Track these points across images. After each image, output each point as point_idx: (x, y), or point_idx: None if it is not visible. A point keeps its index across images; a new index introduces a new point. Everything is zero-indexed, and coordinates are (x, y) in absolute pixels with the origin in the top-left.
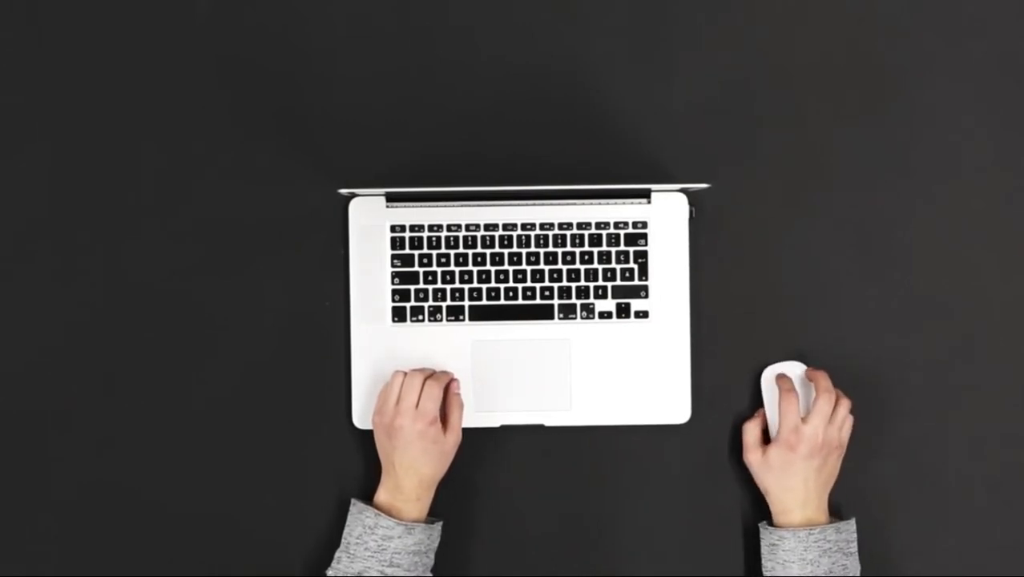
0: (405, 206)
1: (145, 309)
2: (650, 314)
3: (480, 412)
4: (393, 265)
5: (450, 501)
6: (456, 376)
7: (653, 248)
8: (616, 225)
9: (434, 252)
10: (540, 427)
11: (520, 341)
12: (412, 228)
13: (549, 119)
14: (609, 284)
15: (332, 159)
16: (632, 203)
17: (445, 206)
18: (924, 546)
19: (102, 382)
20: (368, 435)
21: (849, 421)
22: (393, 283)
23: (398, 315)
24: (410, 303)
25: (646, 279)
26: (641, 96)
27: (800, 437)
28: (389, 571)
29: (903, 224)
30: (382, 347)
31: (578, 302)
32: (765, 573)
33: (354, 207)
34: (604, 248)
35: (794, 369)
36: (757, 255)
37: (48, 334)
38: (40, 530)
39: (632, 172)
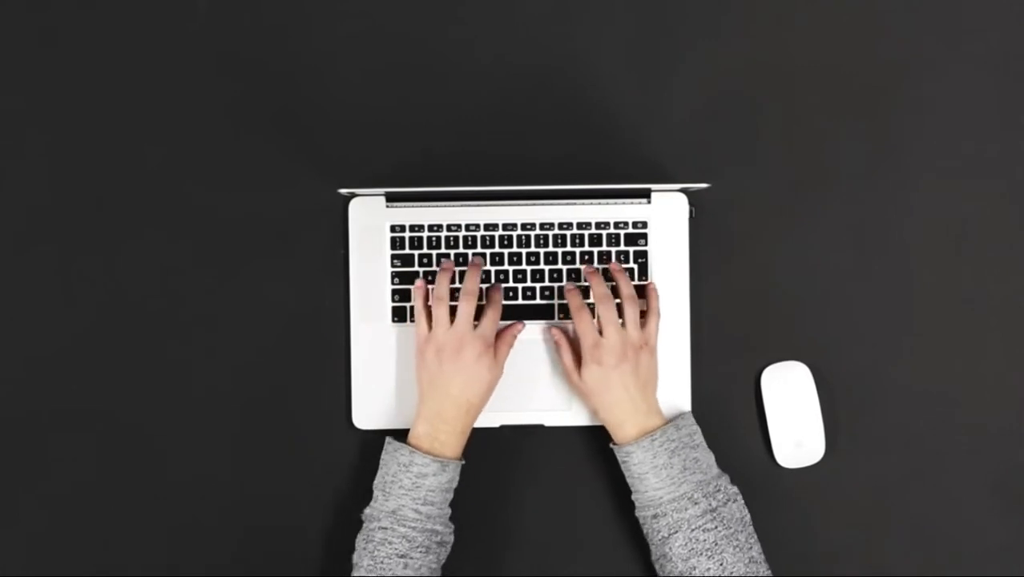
0: (405, 206)
1: (144, 309)
2: None
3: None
4: (393, 265)
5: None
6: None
7: (653, 248)
8: (616, 225)
9: (434, 252)
10: (540, 427)
11: (520, 341)
12: (412, 228)
13: (549, 119)
14: (609, 284)
15: (332, 159)
16: (632, 203)
17: (445, 206)
18: (924, 546)
19: (102, 382)
20: (368, 435)
21: (654, 318)
22: (393, 283)
23: (398, 315)
24: (410, 303)
25: (646, 279)
26: (641, 96)
27: (602, 349)
28: (424, 509)
29: (903, 224)
30: (382, 347)
31: None
32: (632, 492)
33: (354, 207)
34: (604, 248)
35: (794, 369)
36: (757, 255)
37: (48, 334)
38: (40, 530)
39: (632, 172)
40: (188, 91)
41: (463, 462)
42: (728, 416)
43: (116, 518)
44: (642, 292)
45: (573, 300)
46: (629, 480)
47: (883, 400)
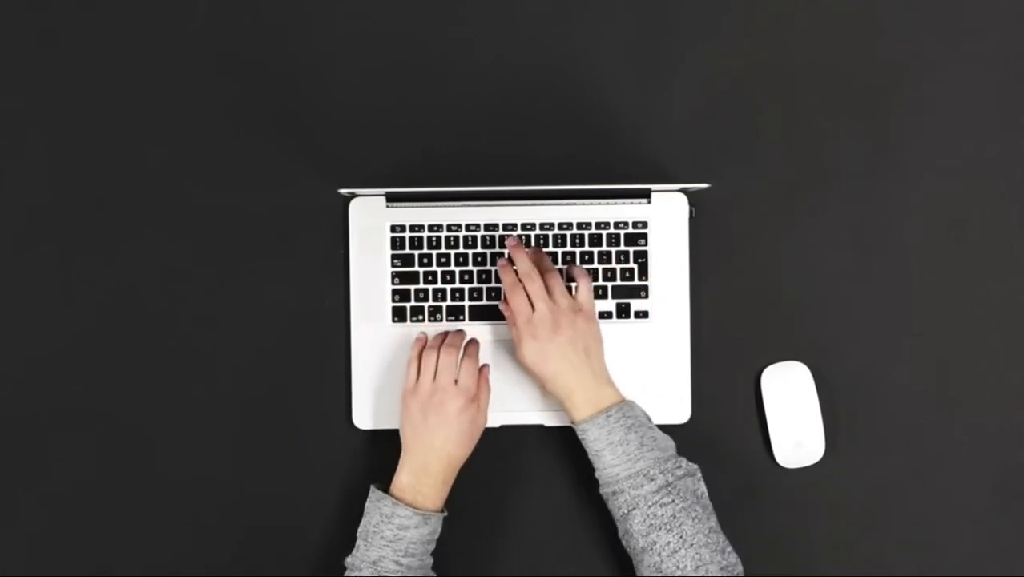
0: (405, 206)
1: (145, 309)
2: (650, 314)
3: None
4: (393, 265)
5: (450, 501)
6: (487, 363)
7: (653, 248)
8: (616, 225)
9: (434, 252)
10: (540, 427)
11: None
12: (412, 228)
13: (549, 119)
14: (609, 284)
15: (332, 159)
16: (632, 203)
17: (445, 206)
18: (924, 546)
19: (102, 382)
20: (368, 435)
21: (583, 281)
22: (393, 283)
23: (398, 315)
24: (410, 303)
25: (646, 279)
26: (641, 96)
27: (533, 324)
28: (405, 561)
29: (903, 224)
30: (382, 347)
31: None
32: (595, 470)
33: (354, 207)
34: (604, 248)
35: (794, 369)
36: (757, 255)
37: (48, 334)
38: (40, 530)
39: (632, 172)
40: (188, 91)
41: (445, 514)
42: (728, 416)
43: (116, 518)
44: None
45: (506, 276)
46: (591, 458)
47: (883, 400)
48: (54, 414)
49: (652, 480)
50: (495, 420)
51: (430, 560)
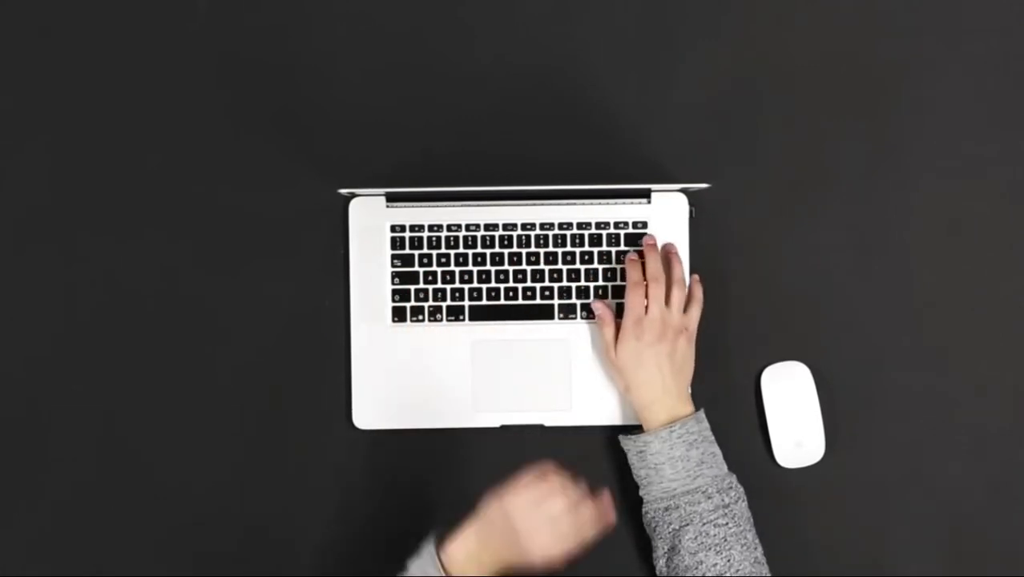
0: (405, 206)
1: (144, 309)
2: None
3: (480, 412)
4: (393, 265)
5: (450, 501)
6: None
7: None
8: (616, 225)
9: (434, 252)
10: (540, 427)
11: (520, 341)
12: (412, 228)
13: (549, 119)
14: (609, 284)
15: (332, 159)
16: (632, 203)
17: (445, 206)
18: (924, 546)
19: (102, 382)
20: (369, 435)
21: (696, 306)
22: (393, 283)
23: (398, 315)
24: (410, 303)
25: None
26: (641, 96)
27: (643, 326)
28: None
29: (903, 224)
30: (382, 347)
31: (578, 302)
32: (639, 483)
33: (354, 207)
34: (604, 248)
35: (794, 369)
36: (757, 255)
37: (48, 333)
38: (39, 530)
39: (632, 172)
40: (188, 91)
41: None
42: (728, 416)
43: (116, 518)
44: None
45: (633, 273)
46: (641, 472)
47: (883, 400)
48: (54, 414)
49: (709, 498)
50: (495, 420)
51: None
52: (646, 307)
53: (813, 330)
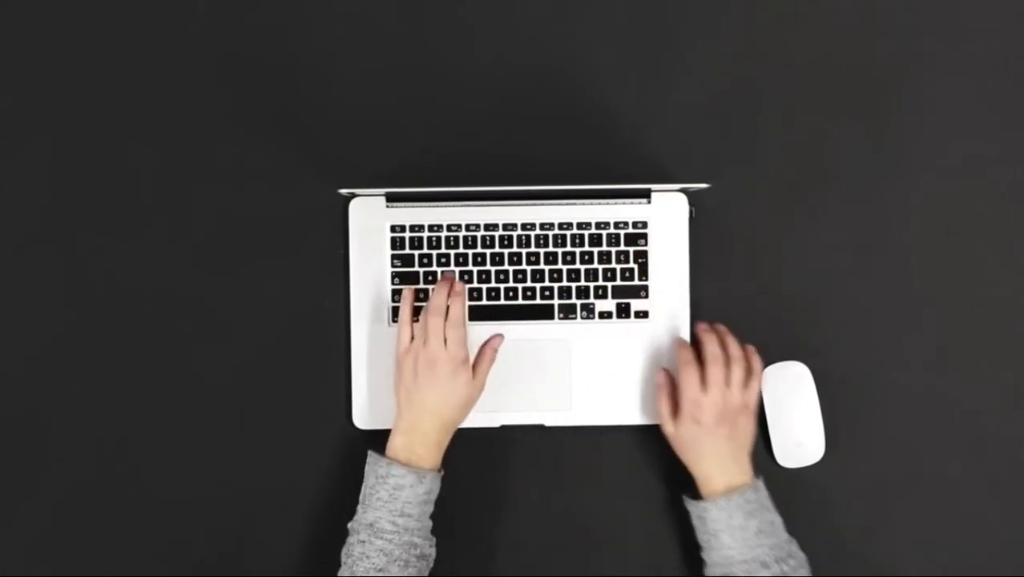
0: (405, 206)
1: (144, 309)
2: (650, 314)
3: (480, 412)
4: (393, 265)
5: (450, 501)
6: (501, 334)
7: (653, 248)
8: (616, 225)
9: (434, 252)
10: (540, 427)
11: (520, 341)
12: (412, 228)
13: (549, 119)
14: (609, 284)
15: (332, 159)
16: (632, 203)
17: (445, 206)
18: (924, 546)
19: (102, 382)
20: (369, 435)
21: (755, 382)
22: (393, 283)
23: (398, 315)
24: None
25: (646, 279)
26: (641, 96)
27: (702, 409)
28: (400, 521)
29: (903, 224)
30: (382, 347)
31: (578, 302)
32: (700, 545)
33: (354, 207)
34: (604, 248)
35: (794, 369)
36: (757, 255)
37: (48, 334)
38: (38, 530)
39: (632, 172)
40: (188, 91)
41: (442, 473)
42: None
43: (115, 518)
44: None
45: (683, 352)
46: (702, 537)
47: (883, 400)
48: (54, 414)
49: (767, 567)
50: (495, 420)
51: (429, 523)
52: (703, 386)
53: (813, 330)
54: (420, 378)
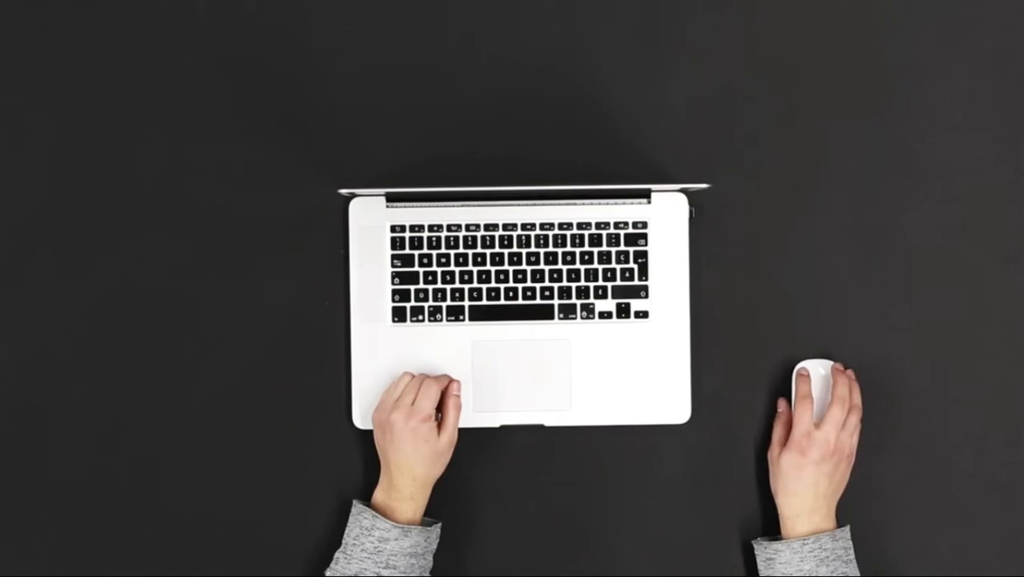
0: (405, 206)
1: (144, 309)
2: (650, 314)
3: (480, 412)
4: (393, 265)
5: (449, 501)
6: (459, 380)
7: (653, 248)
8: (616, 225)
9: (434, 252)
10: (540, 427)
11: (520, 341)
12: (412, 228)
13: (549, 119)
14: (609, 284)
15: (332, 159)
16: (632, 203)
17: (445, 206)
18: (924, 546)
19: (102, 382)
20: (368, 435)
21: (858, 430)
22: (393, 283)
23: (398, 315)
24: (410, 303)
25: (646, 279)
26: (641, 96)
27: (812, 442)
28: (385, 573)
29: (903, 224)
30: (382, 347)
31: (578, 302)
32: None
33: (354, 207)
34: (604, 248)
35: (819, 368)
36: (757, 255)
37: (48, 334)
38: (39, 530)
39: (632, 172)
40: (188, 91)
41: (438, 525)
42: (728, 416)
43: (115, 518)
44: None
45: (801, 387)
46: (765, 574)
47: (883, 400)
48: (54, 414)
49: None
50: (495, 420)
51: (426, 575)
52: (818, 422)
53: (813, 330)
54: (386, 435)
